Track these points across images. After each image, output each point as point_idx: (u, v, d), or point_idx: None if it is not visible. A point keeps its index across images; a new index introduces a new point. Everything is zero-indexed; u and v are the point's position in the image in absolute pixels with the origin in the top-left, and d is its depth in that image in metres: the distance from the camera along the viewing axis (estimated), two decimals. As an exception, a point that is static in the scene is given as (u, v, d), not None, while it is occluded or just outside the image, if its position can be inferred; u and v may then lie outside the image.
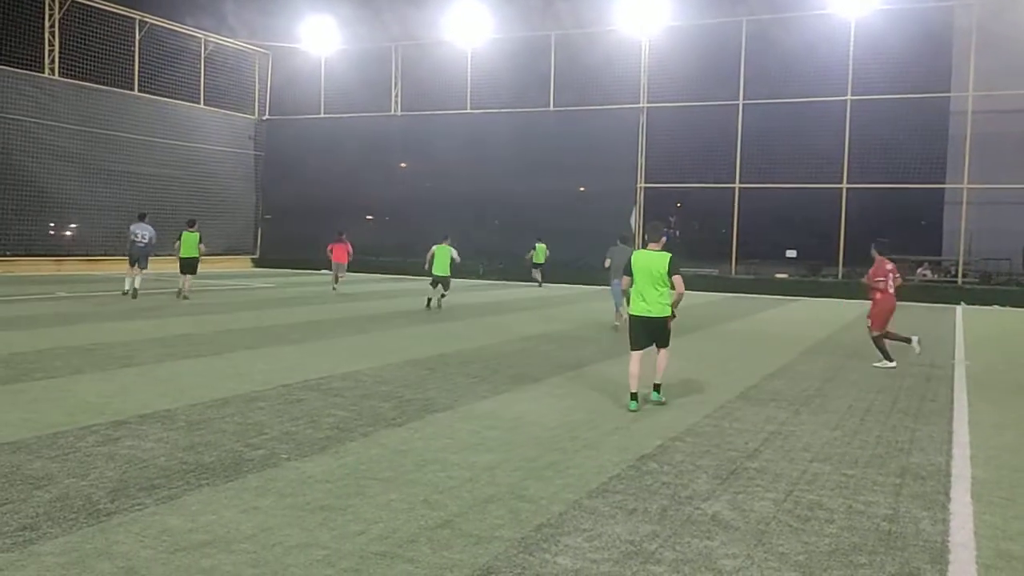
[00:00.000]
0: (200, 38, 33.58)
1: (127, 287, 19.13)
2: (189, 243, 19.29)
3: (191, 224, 19.70)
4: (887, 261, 11.63)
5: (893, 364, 11.34)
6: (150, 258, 19.73)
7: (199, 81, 33.66)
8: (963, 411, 8.43)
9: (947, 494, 5.51)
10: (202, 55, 33.75)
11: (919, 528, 4.82)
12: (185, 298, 18.89)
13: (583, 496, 5.19)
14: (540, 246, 28.42)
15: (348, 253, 24.16)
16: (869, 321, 11.72)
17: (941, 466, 6.23)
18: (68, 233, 29.29)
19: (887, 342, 11.60)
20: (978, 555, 4.42)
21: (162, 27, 31.92)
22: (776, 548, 4.42)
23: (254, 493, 5.06)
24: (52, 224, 27.92)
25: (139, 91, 31.10)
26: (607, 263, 15.34)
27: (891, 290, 11.54)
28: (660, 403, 8.25)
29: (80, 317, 14.60)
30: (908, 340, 11.73)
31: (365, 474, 5.53)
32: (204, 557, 4.06)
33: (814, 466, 6.10)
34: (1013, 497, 5.48)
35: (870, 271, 11.73)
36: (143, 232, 19.28)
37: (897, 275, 11.62)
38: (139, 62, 31.07)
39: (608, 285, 15.89)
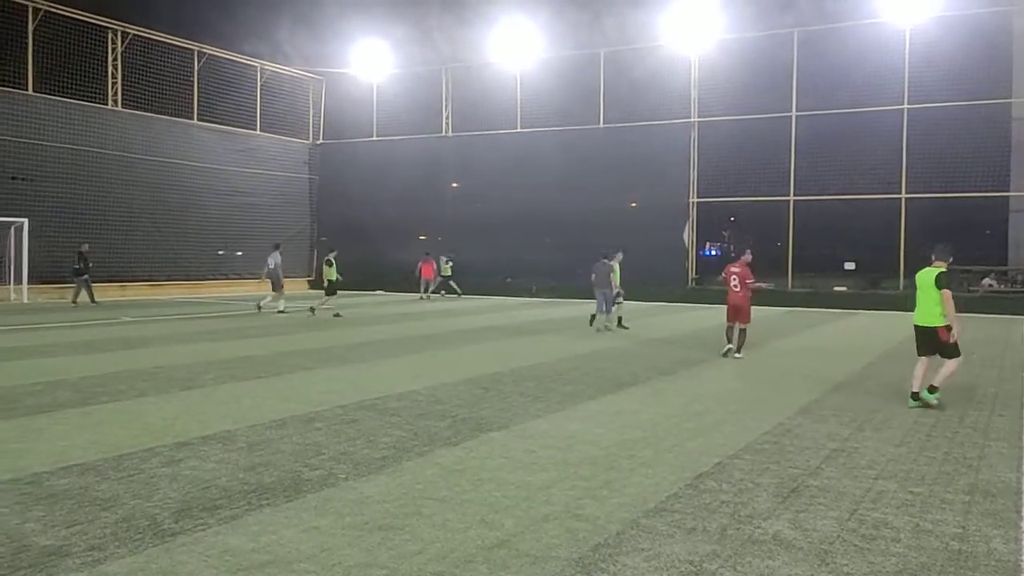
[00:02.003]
0: (256, 66, 34.48)
1: (280, 307, 22.40)
2: (327, 269, 22.10)
3: (330, 251, 22.67)
4: (732, 264, 13.72)
5: (730, 346, 13.41)
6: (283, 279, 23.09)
7: (255, 108, 34.53)
8: (1035, 426, 8.13)
9: (1019, 512, 5.32)
10: (258, 83, 34.64)
11: (990, 547, 4.66)
12: (312, 311, 21.49)
13: (640, 515, 5.14)
14: (445, 265, 30.54)
15: (434, 270, 29.59)
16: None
17: (1012, 483, 6.01)
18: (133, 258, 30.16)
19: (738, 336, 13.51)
20: (1055, 576, 4.26)
21: (220, 57, 32.88)
22: (841, 568, 4.31)
23: (313, 513, 5.13)
24: (117, 250, 28.75)
25: (198, 120, 32.03)
26: (593, 277, 18.26)
27: (735, 288, 13.47)
28: (928, 404, 8.88)
29: (143, 341, 15.02)
30: (729, 341, 13.58)
31: (422, 494, 5.56)
32: (265, 576, 4.13)
33: (879, 484, 5.94)
34: (1091, 516, 5.26)
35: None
36: (270, 259, 22.87)
37: (746, 279, 13.51)
38: (198, 92, 32.03)
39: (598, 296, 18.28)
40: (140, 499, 5.37)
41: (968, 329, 19.32)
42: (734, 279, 13.51)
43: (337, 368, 11.75)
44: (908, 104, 27.29)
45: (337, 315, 21.21)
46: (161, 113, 30.61)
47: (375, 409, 8.57)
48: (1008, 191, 27.10)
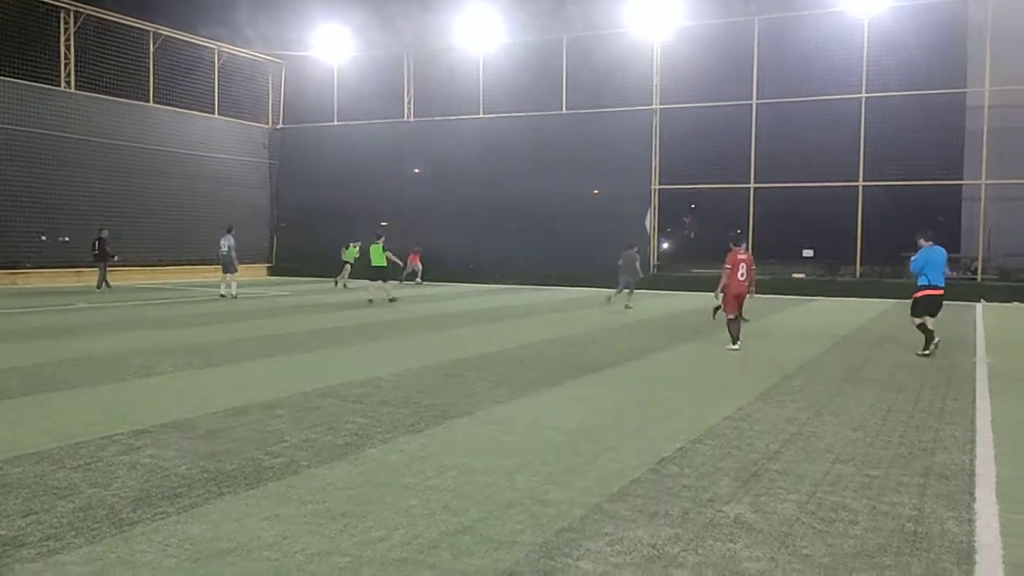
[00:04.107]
0: (214, 49, 33.82)
1: (222, 291, 22.49)
2: (375, 253, 21.44)
3: (378, 237, 21.80)
4: (740, 252, 12.86)
5: (736, 347, 12.65)
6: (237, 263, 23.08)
7: (213, 91, 33.91)
8: (986, 409, 8.34)
9: (972, 494, 5.45)
10: (216, 65, 34.00)
11: (944, 529, 4.77)
12: (393, 299, 21.24)
13: (604, 500, 5.17)
14: (352, 248, 28.51)
15: (419, 260, 30.55)
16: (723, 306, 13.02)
17: (965, 465, 6.17)
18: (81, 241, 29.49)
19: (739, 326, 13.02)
20: (1005, 555, 4.37)
21: (176, 39, 32.18)
22: (800, 550, 4.39)
23: (275, 501, 5.08)
24: (71, 234, 28.10)
25: (155, 103, 31.37)
26: (620, 263, 20.20)
27: (741, 278, 12.72)
28: None
29: (99, 327, 14.72)
30: (735, 340, 12.80)
31: (385, 480, 5.54)
32: (227, 565, 4.08)
33: (837, 467, 6.05)
34: (1040, 496, 5.42)
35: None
36: (224, 242, 22.60)
37: (751, 267, 12.98)
38: (154, 74, 31.35)
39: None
40: (98, 488, 5.27)
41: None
42: (742, 268, 12.72)
43: (298, 355, 11.64)
44: (866, 93, 27.71)
45: (370, 301, 21.34)
46: (116, 95, 29.90)
47: (337, 396, 8.50)
48: (962, 179, 27.71)
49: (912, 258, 12.90)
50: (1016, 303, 24.30)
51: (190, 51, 32.91)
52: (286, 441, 6.57)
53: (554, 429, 7.12)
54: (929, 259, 12.46)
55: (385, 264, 21.49)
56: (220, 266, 22.99)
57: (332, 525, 4.66)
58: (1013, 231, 27.35)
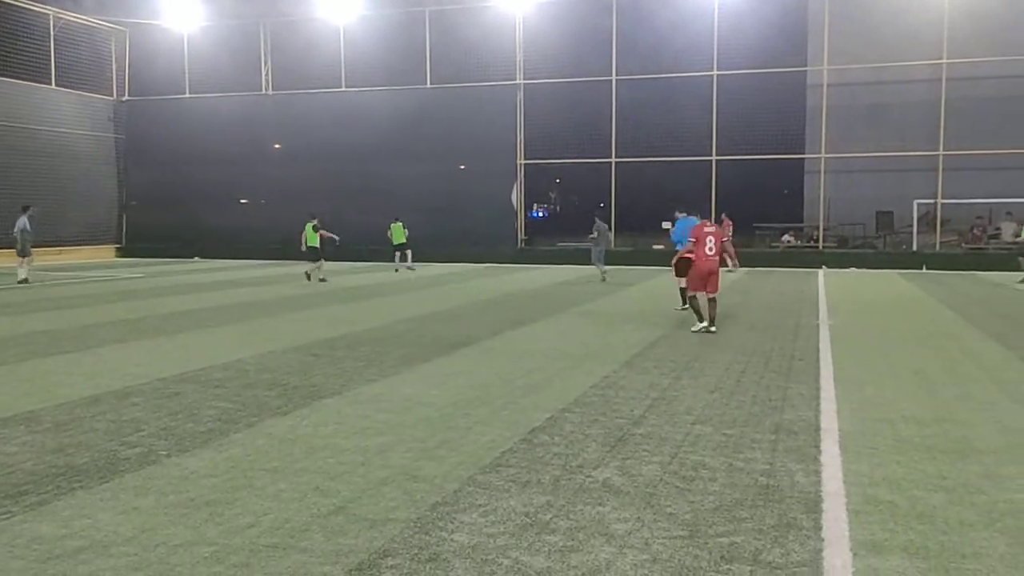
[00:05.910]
0: (48, 14, 31.28)
1: (22, 275, 20.70)
2: (309, 233, 21.23)
3: (312, 217, 21.56)
4: (707, 224, 11.97)
5: (704, 325, 11.65)
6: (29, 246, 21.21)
7: (49, 60, 31.41)
8: (828, 368, 8.96)
9: (818, 447, 5.85)
10: (51, 32, 31.48)
11: (794, 481, 5.10)
12: (322, 280, 20.92)
13: (477, 472, 5.21)
14: (396, 225, 25.78)
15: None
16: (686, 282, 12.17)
17: (811, 421, 6.61)
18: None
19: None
20: (848, 502, 4.72)
21: (3, 3, 29.53)
22: (664, 509, 4.58)
23: (132, 493, 4.83)
24: None
25: (-20, 71, 28.79)
26: (595, 235, 21.26)
27: (709, 252, 11.66)
28: None
29: (-75, 317, 13.47)
30: (701, 319, 11.76)
31: (252, 465, 5.37)
32: (80, 564, 3.85)
33: (696, 428, 6.35)
34: (876, 446, 5.88)
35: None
36: (17, 223, 20.94)
37: (721, 239, 11.93)
38: (-22, 40, 28.72)
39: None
40: (-73, 492, 4.84)
41: (771, 282, 21.02)
42: (710, 240, 11.65)
43: (153, 339, 11.06)
44: (717, 71, 28.90)
45: (322, 279, 20.99)
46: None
47: (198, 381, 8.15)
48: (804, 153, 29.48)
49: (671, 229, 14.32)
50: (853, 268, 26.20)
51: (19, 16, 30.29)
52: (143, 430, 6.25)
53: (426, 405, 7.10)
54: (685, 228, 13.32)
55: (318, 244, 21.23)
56: (36, 247, 22.02)
57: (196, 515, 4.48)
58: (850, 202, 29.39)
